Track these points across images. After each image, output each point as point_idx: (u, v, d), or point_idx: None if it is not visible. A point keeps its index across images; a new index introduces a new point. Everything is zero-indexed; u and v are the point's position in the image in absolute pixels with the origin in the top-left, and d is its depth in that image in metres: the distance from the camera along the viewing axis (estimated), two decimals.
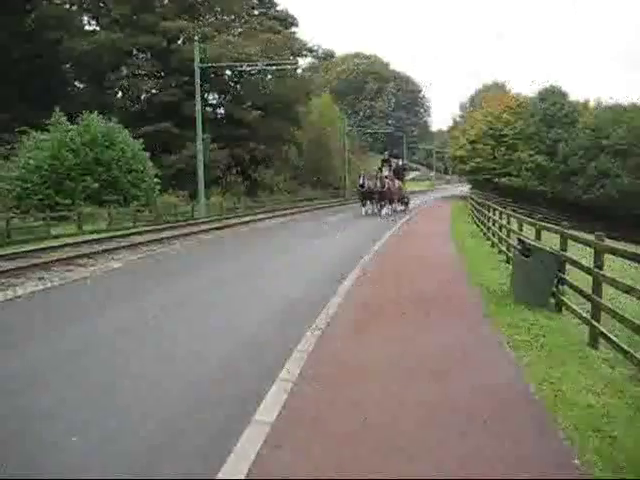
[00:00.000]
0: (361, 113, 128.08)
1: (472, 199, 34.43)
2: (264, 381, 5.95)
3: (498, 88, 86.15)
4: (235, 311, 9.70)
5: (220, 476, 4.12)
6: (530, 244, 9.69)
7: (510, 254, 13.13)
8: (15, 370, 6.65)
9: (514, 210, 16.37)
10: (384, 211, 34.11)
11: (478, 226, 24.77)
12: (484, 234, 21.15)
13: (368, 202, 34.78)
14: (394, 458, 4.32)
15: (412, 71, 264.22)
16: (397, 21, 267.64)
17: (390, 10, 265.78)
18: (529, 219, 13.90)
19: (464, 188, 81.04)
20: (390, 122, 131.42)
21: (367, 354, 6.91)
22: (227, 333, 8.20)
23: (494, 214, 18.77)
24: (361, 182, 34.20)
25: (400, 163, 42.52)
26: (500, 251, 16.00)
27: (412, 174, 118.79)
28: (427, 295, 10.27)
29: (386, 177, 34.96)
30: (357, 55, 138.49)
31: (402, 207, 38.48)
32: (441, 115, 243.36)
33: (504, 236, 15.60)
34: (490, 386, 5.74)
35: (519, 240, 10.67)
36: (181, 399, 5.70)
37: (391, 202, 35.67)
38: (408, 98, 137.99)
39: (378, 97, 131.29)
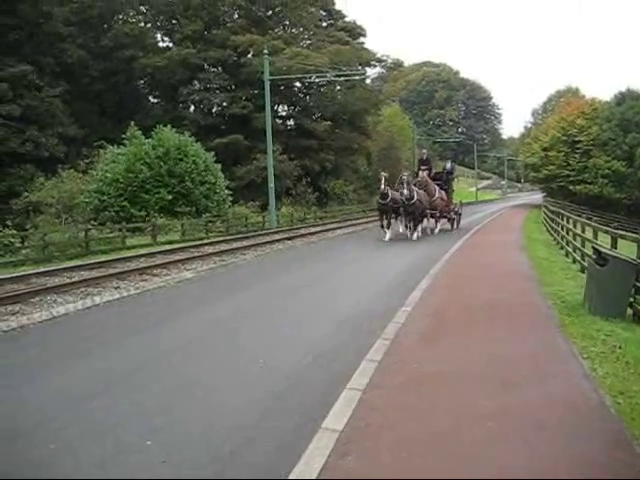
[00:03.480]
0: (431, 122, 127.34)
1: (545, 207, 33.54)
2: (333, 390, 5.95)
3: (572, 93, 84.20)
4: (305, 320, 9.75)
5: None
6: (605, 253, 9.40)
7: (585, 263, 12.75)
8: (89, 376, 6.85)
9: (589, 218, 15.86)
10: (414, 234, 23.90)
11: (552, 235, 24.19)
12: (558, 243, 20.65)
13: (392, 220, 24.93)
14: (460, 467, 4.25)
15: (482, 79, 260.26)
16: (466, 29, 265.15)
17: (459, 18, 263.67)
18: (604, 227, 13.46)
19: (537, 196, 79.19)
20: (460, 130, 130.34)
21: (436, 363, 6.83)
22: (296, 341, 8.25)
23: (568, 222, 18.31)
24: (383, 189, 23.90)
25: (448, 165, 31.67)
26: (575, 260, 15.56)
27: (483, 182, 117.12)
28: (498, 305, 10.06)
29: (417, 184, 25.25)
30: (426, 64, 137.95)
31: (447, 225, 29.08)
32: (513, 122, 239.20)
33: (578, 245, 15.18)
34: (563, 398, 5.57)
35: (594, 249, 10.37)
36: (249, 407, 5.75)
37: (421, 219, 25.15)
38: (478, 106, 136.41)
39: (448, 105, 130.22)
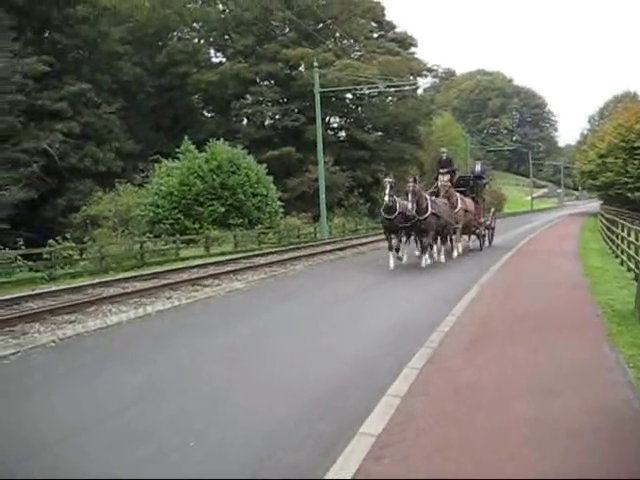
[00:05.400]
0: (485, 131, 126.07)
1: (602, 215, 32.81)
2: (373, 396, 6.01)
3: (630, 98, 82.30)
4: (349, 328, 9.84)
5: None
6: None
7: (638, 271, 12.51)
8: (140, 381, 7.08)
9: None
10: (423, 259, 17.78)
11: (607, 243, 23.72)
12: (613, 252, 20.26)
13: (400, 238, 18.37)
14: (493, 474, 4.26)
15: (537, 86, 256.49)
16: (520, 36, 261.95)
17: (513, 25, 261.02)
18: None
19: (595, 204, 77.38)
20: (515, 138, 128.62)
21: (478, 372, 6.81)
22: (340, 348, 8.33)
23: (622, 230, 17.97)
24: (387, 200, 17.67)
25: (477, 168, 25.63)
26: (629, 269, 15.26)
27: (539, 191, 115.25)
28: (547, 313, 9.96)
29: (436, 193, 20.13)
30: (479, 72, 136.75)
31: (473, 243, 23.38)
32: (569, 130, 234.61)
33: (632, 253, 14.88)
34: (604, 406, 5.51)
35: None
36: (289, 412, 5.88)
37: (445, 238, 19.70)
38: (533, 113, 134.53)
39: (502, 113, 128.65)
